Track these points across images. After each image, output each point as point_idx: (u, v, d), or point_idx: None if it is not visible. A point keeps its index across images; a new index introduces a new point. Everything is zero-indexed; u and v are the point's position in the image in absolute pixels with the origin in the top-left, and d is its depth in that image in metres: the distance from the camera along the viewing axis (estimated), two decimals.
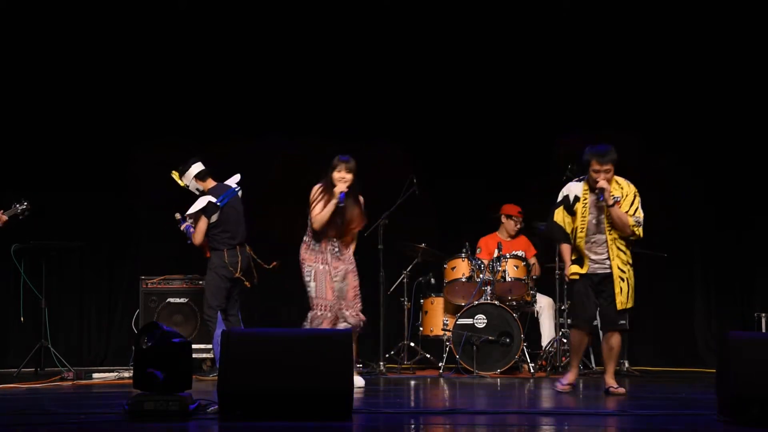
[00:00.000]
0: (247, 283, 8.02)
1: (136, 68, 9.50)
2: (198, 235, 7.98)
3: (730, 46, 9.34)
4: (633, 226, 6.24)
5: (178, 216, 8.18)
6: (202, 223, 7.97)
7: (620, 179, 6.34)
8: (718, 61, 9.40)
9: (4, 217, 7.66)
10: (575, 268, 6.41)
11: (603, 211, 6.29)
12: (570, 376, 6.57)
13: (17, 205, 7.75)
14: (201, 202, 7.98)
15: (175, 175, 8.15)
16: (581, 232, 6.31)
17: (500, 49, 9.60)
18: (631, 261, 6.37)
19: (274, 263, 8.12)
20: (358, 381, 6.78)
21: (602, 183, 6.21)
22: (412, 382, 7.68)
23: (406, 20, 9.54)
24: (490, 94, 9.68)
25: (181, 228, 8.12)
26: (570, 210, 6.43)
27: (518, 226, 9.10)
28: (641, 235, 6.32)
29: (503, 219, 9.14)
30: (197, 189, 8.09)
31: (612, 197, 6.20)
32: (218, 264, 7.93)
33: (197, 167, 8.11)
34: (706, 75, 9.44)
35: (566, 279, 6.62)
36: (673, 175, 9.20)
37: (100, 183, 9.40)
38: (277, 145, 9.36)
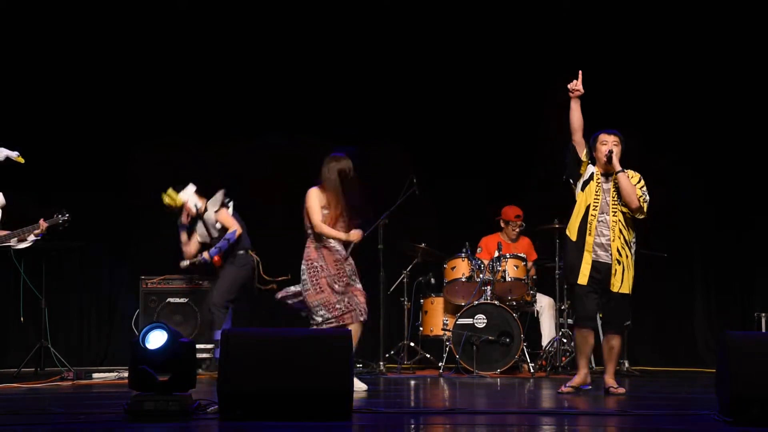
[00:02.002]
0: (268, 286, 8.19)
1: (136, 68, 9.51)
2: (232, 222, 8.10)
3: (730, 46, 9.35)
4: (641, 197, 6.26)
5: (185, 263, 8.27)
6: (227, 215, 8.12)
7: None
8: (717, 61, 9.41)
9: (45, 224, 7.67)
10: (580, 277, 6.37)
11: (610, 194, 6.32)
12: (576, 379, 6.53)
13: (58, 216, 7.74)
14: (218, 196, 8.19)
15: (171, 193, 8.18)
16: (594, 209, 6.33)
17: (500, 49, 9.61)
18: (631, 246, 6.34)
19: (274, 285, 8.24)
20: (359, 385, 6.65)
21: (610, 146, 6.30)
22: (412, 382, 7.68)
23: (405, 20, 9.55)
24: (490, 93, 9.68)
25: (207, 257, 8.13)
26: (585, 182, 6.42)
27: (517, 229, 9.10)
28: (646, 212, 6.31)
29: (502, 224, 9.15)
30: (195, 204, 8.22)
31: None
32: (246, 263, 8.14)
33: (192, 185, 8.30)
34: (706, 75, 9.45)
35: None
36: (673, 175, 9.20)
37: (100, 183, 9.41)
38: (277, 145, 9.36)
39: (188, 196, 8.23)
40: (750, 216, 9.47)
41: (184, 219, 8.24)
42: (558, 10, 9.47)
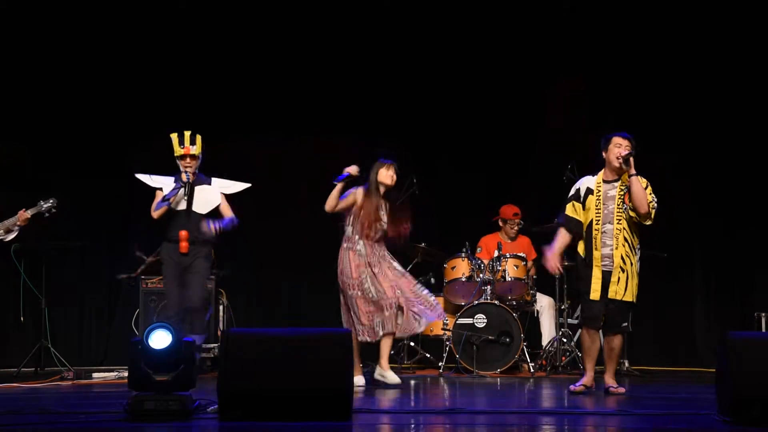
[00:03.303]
0: None
1: (135, 68, 9.51)
2: (231, 212, 7.64)
3: (730, 46, 9.34)
4: (650, 203, 6.26)
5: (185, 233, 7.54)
6: (227, 204, 7.72)
7: None
8: (718, 61, 9.40)
9: (27, 215, 7.52)
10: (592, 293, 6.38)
11: (615, 201, 6.32)
12: (585, 380, 6.55)
13: (42, 203, 7.52)
14: (242, 185, 7.84)
15: (198, 139, 7.66)
16: (597, 223, 6.33)
17: (500, 50, 9.61)
18: (635, 253, 6.35)
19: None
20: (359, 380, 6.81)
21: (624, 149, 6.30)
22: (412, 382, 7.68)
23: (404, 20, 9.54)
24: (490, 94, 9.68)
25: (215, 229, 7.54)
26: (581, 203, 6.43)
27: (516, 228, 9.10)
28: (653, 218, 6.31)
29: (500, 223, 9.16)
30: (198, 167, 7.77)
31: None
32: (210, 265, 7.75)
33: None
34: (706, 76, 9.44)
35: (548, 266, 6.57)
36: (674, 175, 9.20)
37: (100, 183, 9.40)
38: (277, 145, 9.36)
39: (200, 155, 7.71)
40: (750, 216, 9.46)
41: (190, 177, 7.60)
42: (558, 10, 9.46)
